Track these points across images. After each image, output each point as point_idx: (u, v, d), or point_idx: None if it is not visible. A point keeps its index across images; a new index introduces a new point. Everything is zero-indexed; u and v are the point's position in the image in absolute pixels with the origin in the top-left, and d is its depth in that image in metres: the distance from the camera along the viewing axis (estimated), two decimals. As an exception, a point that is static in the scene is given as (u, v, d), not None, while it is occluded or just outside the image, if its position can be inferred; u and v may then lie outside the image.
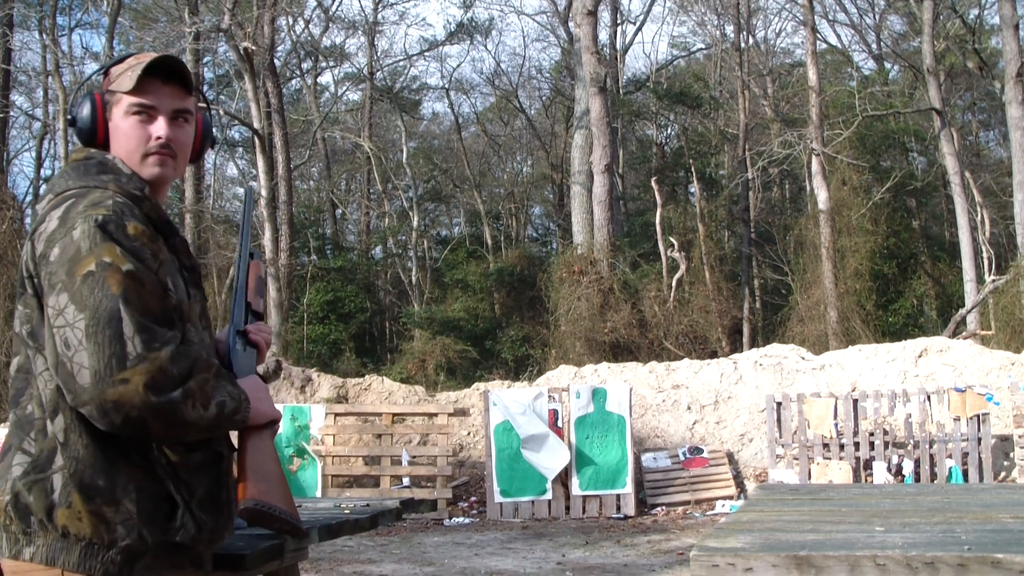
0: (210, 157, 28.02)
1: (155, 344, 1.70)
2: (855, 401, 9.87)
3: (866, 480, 9.64)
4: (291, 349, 19.70)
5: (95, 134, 1.98)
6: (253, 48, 17.75)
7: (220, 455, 1.94)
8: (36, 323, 1.82)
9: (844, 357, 11.49)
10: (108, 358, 1.66)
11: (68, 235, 1.77)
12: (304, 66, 30.66)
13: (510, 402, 9.95)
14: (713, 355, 15.74)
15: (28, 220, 16.39)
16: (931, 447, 9.64)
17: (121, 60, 2.04)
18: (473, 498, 10.47)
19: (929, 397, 9.75)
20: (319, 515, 2.78)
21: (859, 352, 11.53)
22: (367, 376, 12.69)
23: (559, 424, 9.94)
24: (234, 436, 2.03)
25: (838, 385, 10.82)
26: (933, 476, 9.57)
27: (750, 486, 10.25)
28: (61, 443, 1.77)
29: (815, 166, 20.73)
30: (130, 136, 1.96)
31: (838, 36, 35.58)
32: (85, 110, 1.98)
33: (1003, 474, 9.75)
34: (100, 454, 1.77)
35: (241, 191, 33.05)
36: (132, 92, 1.94)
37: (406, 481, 10.31)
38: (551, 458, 9.74)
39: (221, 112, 21.90)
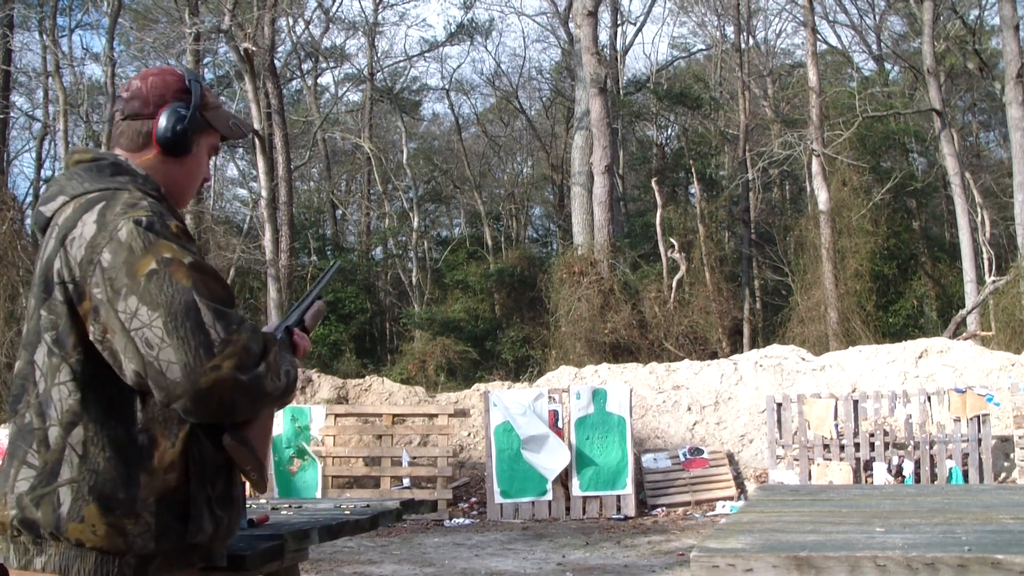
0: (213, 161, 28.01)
1: (233, 327, 1.73)
2: (855, 402, 9.87)
3: (866, 481, 9.64)
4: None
5: (180, 151, 2.00)
6: (253, 49, 17.75)
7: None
8: (63, 330, 1.79)
9: (844, 358, 11.49)
10: (195, 349, 1.68)
11: (114, 239, 1.75)
12: (304, 67, 30.69)
13: (510, 403, 9.95)
14: (713, 356, 15.74)
15: (28, 221, 16.36)
16: (931, 448, 9.63)
17: (204, 82, 2.08)
18: (473, 499, 10.46)
19: (929, 398, 9.74)
20: (319, 516, 2.78)
21: (859, 353, 11.52)
22: (367, 377, 12.69)
23: (559, 425, 9.94)
24: None
25: (838, 386, 10.82)
26: (933, 477, 9.57)
27: (750, 487, 10.25)
28: (80, 456, 1.74)
29: (815, 167, 20.73)
30: (200, 171, 2.07)
31: (838, 37, 35.58)
32: (186, 128, 2.00)
33: (1003, 475, 9.74)
34: (121, 466, 1.76)
35: (243, 192, 33.15)
36: (227, 138, 2.10)
37: (406, 482, 10.31)
38: (551, 459, 9.74)
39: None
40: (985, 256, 19.32)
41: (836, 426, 9.81)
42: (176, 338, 1.68)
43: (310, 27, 27.50)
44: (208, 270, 1.79)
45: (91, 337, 1.76)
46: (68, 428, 1.76)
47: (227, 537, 1.93)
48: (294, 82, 30.95)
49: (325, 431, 10.34)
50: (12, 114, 22.85)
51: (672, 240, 20.80)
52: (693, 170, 24.85)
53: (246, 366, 1.72)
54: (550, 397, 10.04)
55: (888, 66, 28.88)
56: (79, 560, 1.74)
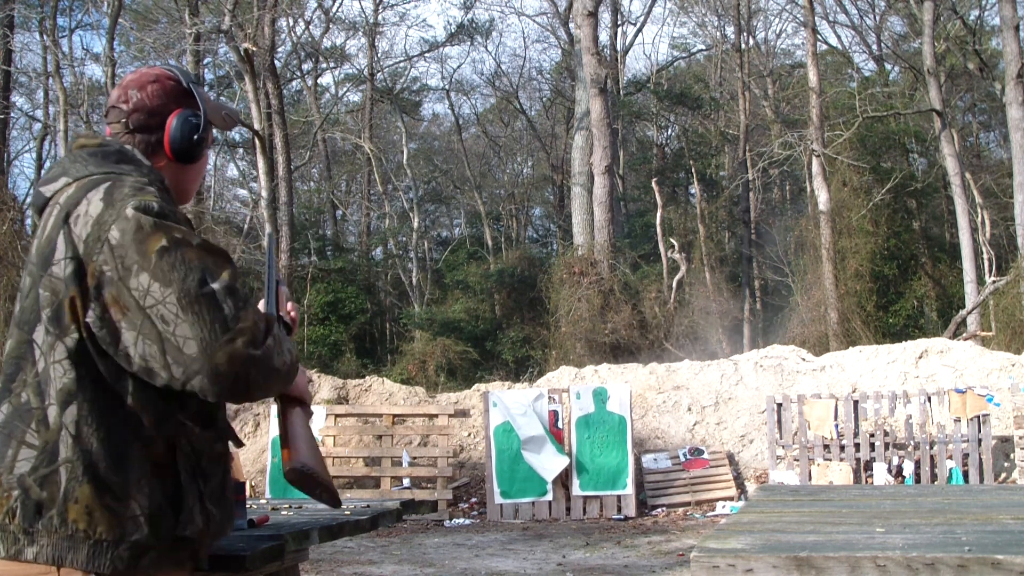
0: (211, 158, 28.07)
1: (241, 303, 1.75)
2: (855, 402, 9.87)
3: (866, 481, 9.64)
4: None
5: (194, 158, 2.03)
6: (253, 49, 17.75)
7: (228, 449, 1.97)
8: (59, 308, 1.77)
9: (844, 358, 11.49)
10: (211, 324, 1.70)
11: (122, 217, 1.75)
12: (304, 67, 30.70)
13: (510, 403, 9.95)
14: (713, 356, 15.74)
15: (28, 221, 16.34)
16: (931, 448, 9.63)
17: (195, 79, 2.11)
18: (473, 499, 10.46)
19: (929, 398, 9.75)
20: (319, 516, 2.78)
21: (859, 353, 11.52)
22: (367, 377, 12.69)
23: (559, 425, 9.94)
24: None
25: (838, 386, 10.82)
26: (933, 477, 9.57)
27: (750, 487, 10.25)
28: (73, 435, 1.73)
29: (815, 167, 20.74)
30: (204, 170, 2.11)
31: (838, 37, 35.56)
32: (201, 137, 2.03)
33: (1003, 475, 9.74)
34: (113, 447, 1.74)
35: (243, 192, 33.12)
36: (221, 129, 2.13)
37: (406, 482, 10.31)
38: (551, 459, 9.74)
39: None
40: (985, 256, 19.33)
41: (836, 426, 9.81)
42: (191, 313, 1.69)
43: (310, 27, 27.54)
44: (217, 251, 1.81)
45: (88, 316, 1.74)
46: (63, 407, 1.74)
47: (216, 536, 1.91)
48: (294, 82, 30.95)
49: (325, 431, 10.34)
50: (12, 114, 22.86)
51: (672, 240, 20.81)
52: (693, 170, 24.87)
53: (257, 341, 1.74)
54: (550, 397, 10.04)
55: (888, 66, 28.89)
56: (72, 551, 1.72)
